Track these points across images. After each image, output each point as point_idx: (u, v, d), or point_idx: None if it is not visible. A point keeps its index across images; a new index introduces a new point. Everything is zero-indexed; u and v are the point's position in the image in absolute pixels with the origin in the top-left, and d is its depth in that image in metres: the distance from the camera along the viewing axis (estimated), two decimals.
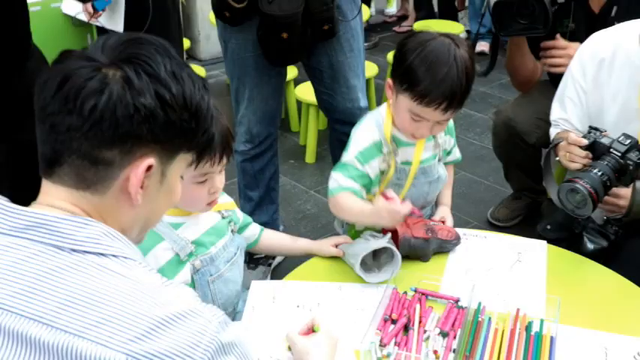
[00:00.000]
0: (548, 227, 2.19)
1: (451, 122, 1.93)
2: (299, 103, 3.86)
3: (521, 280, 1.70)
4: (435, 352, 1.44)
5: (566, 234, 2.06)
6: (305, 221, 3.16)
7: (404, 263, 1.70)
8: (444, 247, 1.80)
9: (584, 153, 1.83)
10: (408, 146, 1.81)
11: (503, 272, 1.74)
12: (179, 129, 0.94)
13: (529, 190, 3.03)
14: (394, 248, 1.69)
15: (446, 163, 2.01)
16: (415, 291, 1.63)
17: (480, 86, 4.66)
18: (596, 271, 1.76)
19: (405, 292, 1.62)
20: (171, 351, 0.83)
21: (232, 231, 1.66)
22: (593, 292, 1.68)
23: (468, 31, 5.49)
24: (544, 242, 1.86)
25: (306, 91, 3.58)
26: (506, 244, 1.85)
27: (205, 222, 1.59)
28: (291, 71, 3.95)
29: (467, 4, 5.46)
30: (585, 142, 1.82)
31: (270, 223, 2.62)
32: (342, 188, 1.76)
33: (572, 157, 1.85)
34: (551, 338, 1.48)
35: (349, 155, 1.79)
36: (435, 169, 1.89)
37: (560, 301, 1.58)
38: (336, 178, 1.77)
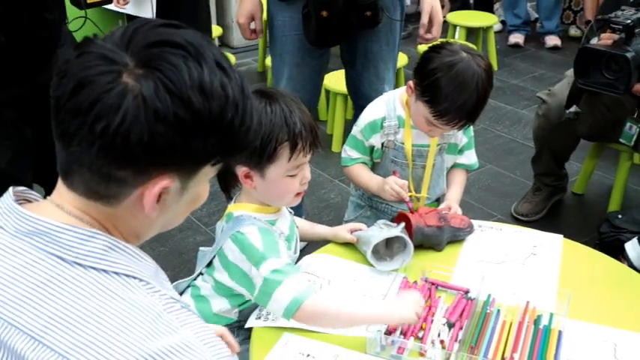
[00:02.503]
0: (620, 216, 2.24)
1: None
2: (327, 92, 3.87)
3: (534, 273, 1.69)
4: (442, 341, 1.45)
5: (635, 228, 2.11)
6: (328, 210, 3.17)
7: (416, 252, 1.71)
8: (458, 235, 1.80)
9: None
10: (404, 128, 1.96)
11: (516, 265, 1.73)
12: (201, 152, 0.85)
13: (551, 175, 3.01)
14: (407, 237, 1.69)
15: (458, 166, 2.08)
16: (425, 280, 1.63)
17: (512, 79, 4.62)
18: (611, 267, 1.75)
19: (415, 282, 1.63)
20: None
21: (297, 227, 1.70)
22: (606, 287, 1.66)
23: (502, 22, 5.44)
24: (560, 236, 1.84)
25: (334, 80, 3.58)
26: (522, 237, 1.84)
27: (287, 220, 1.62)
28: None
29: None
30: None
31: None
32: (353, 160, 2.03)
33: None
34: (559, 332, 1.47)
35: (356, 129, 2.02)
36: (432, 157, 1.96)
37: (572, 296, 1.56)
38: (347, 150, 2.04)
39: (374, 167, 2.05)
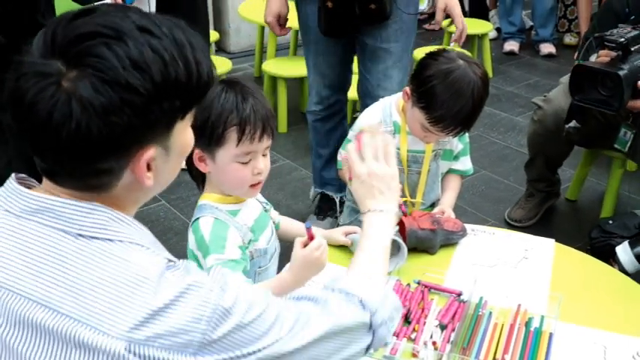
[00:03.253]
0: (610, 222, 2.30)
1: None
2: None
3: (526, 276, 1.71)
4: (434, 343, 1.47)
5: (625, 233, 2.13)
6: None
7: (410, 255, 1.73)
8: (451, 238, 1.82)
9: None
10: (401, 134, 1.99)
11: (509, 268, 1.75)
12: (163, 115, 0.89)
13: (544, 180, 3.03)
14: (401, 241, 1.71)
15: (453, 172, 2.10)
16: (418, 283, 1.65)
17: (506, 86, 4.65)
18: (602, 271, 1.77)
19: (408, 284, 1.65)
20: (174, 328, 0.86)
21: (274, 222, 1.71)
22: (596, 291, 1.68)
23: (497, 29, 5.47)
24: (551, 240, 1.86)
25: None
26: (514, 241, 1.86)
27: (254, 211, 1.63)
28: None
29: (498, 2, 5.43)
30: None
31: (336, 179, 2.87)
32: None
33: None
34: (550, 335, 1.49)
35: (352, 133, 2.04)
36: (427, 163, 1.99)
37: (563, 299, 1.58)
38: (341, 154, 2.08)
39: None
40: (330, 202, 2.98)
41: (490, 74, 4.78)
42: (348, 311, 1.07)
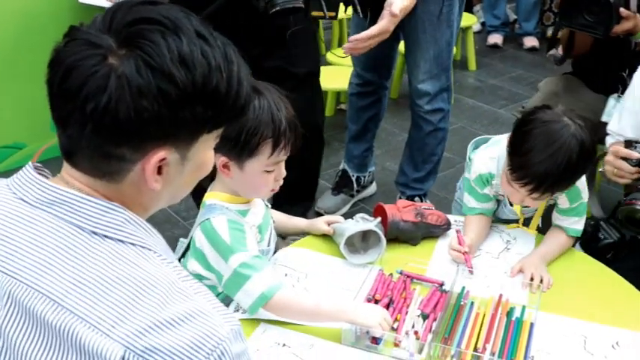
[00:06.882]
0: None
1: (582, 189, 1.79)
2: None
3: (507, 267, 1.72)
4: (416, 332, 1.47)
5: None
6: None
7: (393, 245, 1.74)
8: (433, 232, 1.82)
9: (634, 169, 1.79)
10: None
11: (490, 258, 1.76)
12: (192, 121, 0.87)
13: None
14: (380, 233, 1.71)
15: (557, 225, 1.85)
16: (401, 273, 1.65)
17: (490, 79, 4.66)
18: (582, 262, 1.78)
19: (391, 274, 1.65)
20: (172, 349, 0.81)
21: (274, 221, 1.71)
22: (577, 281, 1.69)
23: (482, 23, 5.48)
24: (533, 232, 1.87)
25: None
26: (496, 232, 1.87)
27: (260, 210, 1.63)
28: None
29: None
30: (637, 155, 1.78)
31: (358, 158, 2.99)
32: (472, 210, 1.85)
33: (622, 172, 1.82)
34: (531, 325, 1.50)
35: (466, 174, 1.91)
36: (538, 218, 1.90)
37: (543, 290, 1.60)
38: (468, 201, 1.86)
39: None
40: (347, 179, 3.05)
41: (473, 67, 4.79)
42: None
